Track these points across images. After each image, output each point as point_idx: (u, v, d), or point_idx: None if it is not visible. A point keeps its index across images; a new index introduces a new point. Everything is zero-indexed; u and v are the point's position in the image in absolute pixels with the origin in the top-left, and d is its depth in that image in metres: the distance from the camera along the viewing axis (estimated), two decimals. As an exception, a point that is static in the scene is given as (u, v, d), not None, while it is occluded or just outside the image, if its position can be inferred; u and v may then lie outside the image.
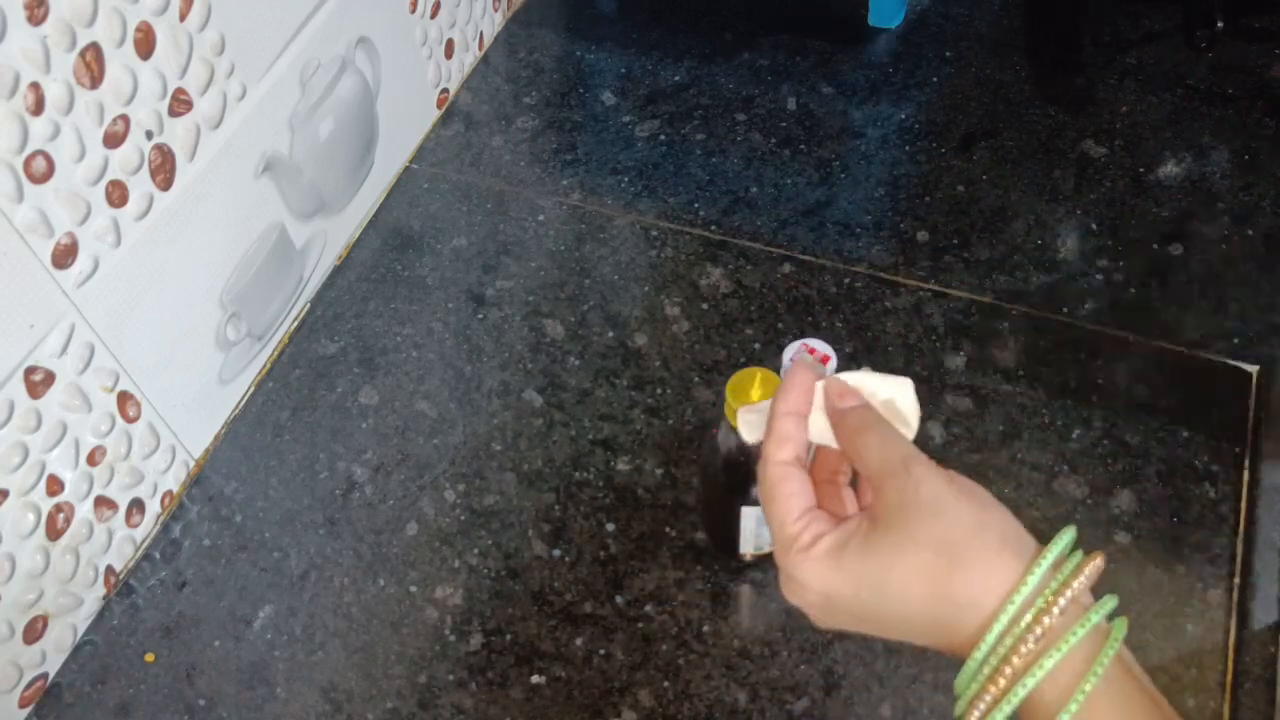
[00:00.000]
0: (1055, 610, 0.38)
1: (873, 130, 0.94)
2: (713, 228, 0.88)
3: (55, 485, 0.65)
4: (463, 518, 0.73)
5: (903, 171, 0.91)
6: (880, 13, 1.00)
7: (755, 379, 0.59)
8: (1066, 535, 0.40)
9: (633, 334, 0.82)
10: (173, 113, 0.65)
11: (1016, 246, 0.85)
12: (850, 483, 0.47)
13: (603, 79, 1.00)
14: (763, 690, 0.65)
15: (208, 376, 0.76)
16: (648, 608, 0.69)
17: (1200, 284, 0.81)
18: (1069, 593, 0.38)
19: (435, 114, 0.98)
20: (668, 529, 0.72)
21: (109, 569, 0.71)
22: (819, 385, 0.45)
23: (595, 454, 0.76)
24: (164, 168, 0.66)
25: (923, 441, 0.44)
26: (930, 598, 0.40)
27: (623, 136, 0.95)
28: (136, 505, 0.72)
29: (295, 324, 0.84)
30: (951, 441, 0.74)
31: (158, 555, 0.73)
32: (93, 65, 0.59)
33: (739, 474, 0.62)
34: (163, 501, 0.75)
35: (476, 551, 0.72)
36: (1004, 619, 0.39)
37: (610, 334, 0.82)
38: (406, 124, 0.94)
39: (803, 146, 0.93)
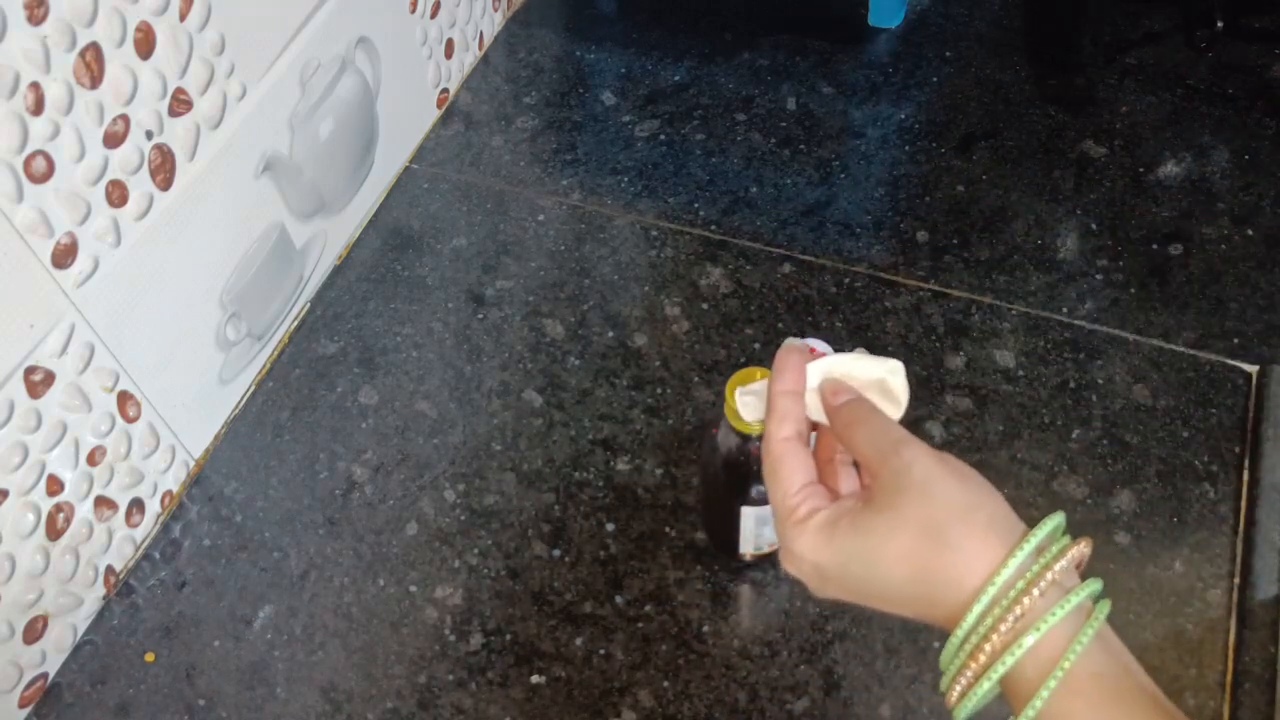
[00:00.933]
0: (1035, 591, 0.39)
1: (873, 130, 0.94)
2: (713, 228, 0.88)
3: (55, 485, 0.65)
4: (463, 518, 0.73)
5: (902, 171, 0.91)
6: (880, 13, 1.00)
7: (755, 379, 0.59)
8: (1052, 520, 0.41)
9: (633, 334, 0.82)
10: (173, 113, 0.65)
11: (1016, 246, 0.85)
12: (853, 461, 0.48)
13: (603, 79, 1.00)
14: (763, 690, 0.65)
15: (208, 376, 0.76)
16: (648, 608, 0.69)
17: (1200, 284, 0.81)
18: (1050, 575, 0.39)
19: (435, 114, 0.98)
20: (668, 529, 0.72)
21: (109, 569, 0.71)
22: (811, 366, 0.47)
23: (595, 454, 0.76)
24: (164, 168, 0.66)
25: (922, 440, 0.44)
26: (916, 577, 0.41)
27: (623, 136, 0.95)
28: (136, 505, 0.72)
29: (295, 324, 0.84)
30: (951, 441, 0.74)
31: (158, 555, 0.73)
32: (93, 65, 0.59)
33: (739, 474, 0.62)
34: (163, 501, 0.75)
35: (476, 551, 0.72)
36: (984, 599, 0.40)
37: (610, 334, 0.82)
38: (406, 124, 0.94)
39: (803, 146, 0.93)
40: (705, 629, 0.68)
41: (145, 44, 0.62)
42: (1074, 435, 0.74)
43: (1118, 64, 0.97)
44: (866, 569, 0.42)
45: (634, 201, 0.90)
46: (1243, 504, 0.70)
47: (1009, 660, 0.39)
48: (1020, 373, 0.77)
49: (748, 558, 0.68)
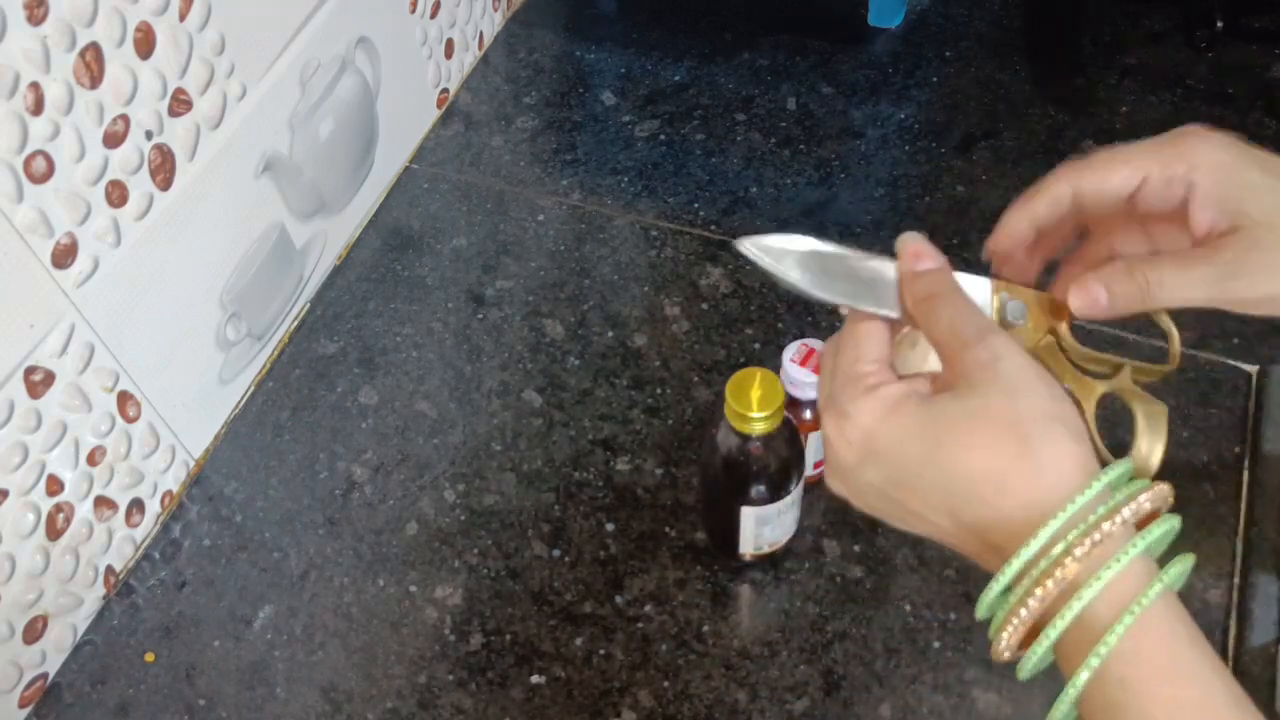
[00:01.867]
0: (1116, 520, 0.35)
1: (872, 130, 0.94)
2: (713, 228, 0.88)
3: (55, 485, 0.65)
4: (462, 518, 0.73)
5: (902, 171, 0.91)
6: (880, 13, 1.00)
7: (755, 379, 0.59)
8: (1127, 462, 0.38)
9: (632, 334, 0.82)
10: (173, 113, 0.65)
11: (1016, 246, 0.85)
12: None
13: (603, 79, 1.00)
14: (763, 690, 0.65)
15: (208, 376, 0.76)
16: (647, 608, 0.69)
17: (1200, 284, 0.81)
18: (1134, 504, 0.36)
19: (435, 114, 0.98)
20: (667, 529, 0.72)
21: (109, 569, 0.71)
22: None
23: (595, 454, 0.76)
24: (164, 168, 0.66)
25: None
26: (984, 475, 0.37)
27: (622, 136, 0.95)
28: (136, 505, 0.72)
29: (295, 324, 0.84)
30: (951, 441, 0.74)
31: (158, 555, 0.73)
32: (92, 65, 0.59)
33: (739, 474, 0.62)
34: (163, 501, 0.75)
35: (476, 551, 0.72)
36: (1061, 518, 0.35)
37: (610, 334, 0.82)
38: (406, 124, 0.94)
39: (802, 146, 0.93)
40: (705, 629, 0.68)
41: (145, 44, 0.62)
42: (1074, 435, 0.74)
43: (1118, 64, 0.97)
44: (929, 449, 0.38)
45: (634, 201, 0.90)
46: (1243, 504, 0.70)
47: (1086, 594, 0.34)
48: (1020, 373, 0.77)
49: (748, 558, 0.68)
